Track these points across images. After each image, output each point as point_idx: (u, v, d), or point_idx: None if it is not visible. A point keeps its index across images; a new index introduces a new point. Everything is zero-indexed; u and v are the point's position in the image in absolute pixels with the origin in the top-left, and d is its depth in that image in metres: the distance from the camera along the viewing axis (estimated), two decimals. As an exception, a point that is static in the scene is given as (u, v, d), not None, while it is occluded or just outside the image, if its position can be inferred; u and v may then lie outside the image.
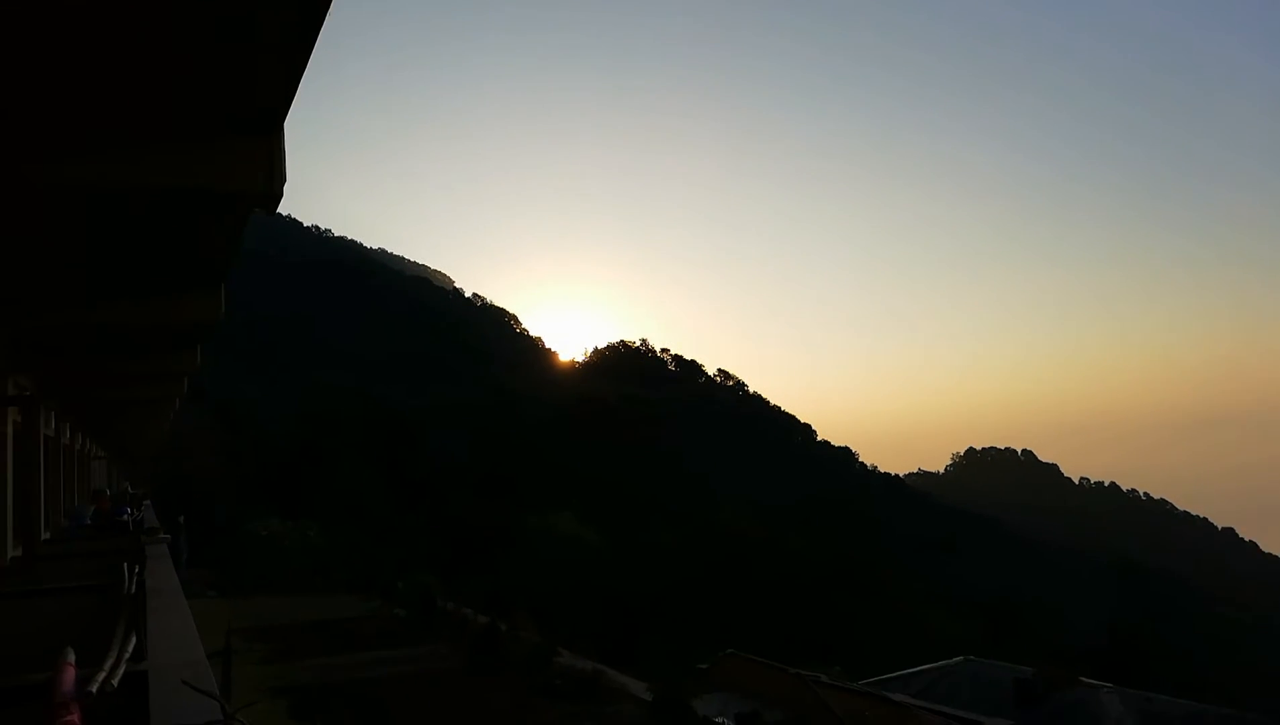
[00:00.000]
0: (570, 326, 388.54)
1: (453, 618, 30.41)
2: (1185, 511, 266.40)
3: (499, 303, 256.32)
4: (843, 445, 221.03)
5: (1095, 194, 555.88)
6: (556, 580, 54.00)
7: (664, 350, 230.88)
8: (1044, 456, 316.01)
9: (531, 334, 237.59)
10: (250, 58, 3.69)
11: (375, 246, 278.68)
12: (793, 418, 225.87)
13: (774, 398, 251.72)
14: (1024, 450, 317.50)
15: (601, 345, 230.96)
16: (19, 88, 3.83)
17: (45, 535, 12.96)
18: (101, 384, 13.88)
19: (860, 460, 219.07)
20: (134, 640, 4.34)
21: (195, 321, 8.41)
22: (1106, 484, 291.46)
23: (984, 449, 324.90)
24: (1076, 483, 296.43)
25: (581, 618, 47.33)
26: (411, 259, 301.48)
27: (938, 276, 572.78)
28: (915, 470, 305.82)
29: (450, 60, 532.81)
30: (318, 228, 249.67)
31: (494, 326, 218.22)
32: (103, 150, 4.25)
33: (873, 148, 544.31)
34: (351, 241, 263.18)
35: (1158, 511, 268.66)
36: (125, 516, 15.67)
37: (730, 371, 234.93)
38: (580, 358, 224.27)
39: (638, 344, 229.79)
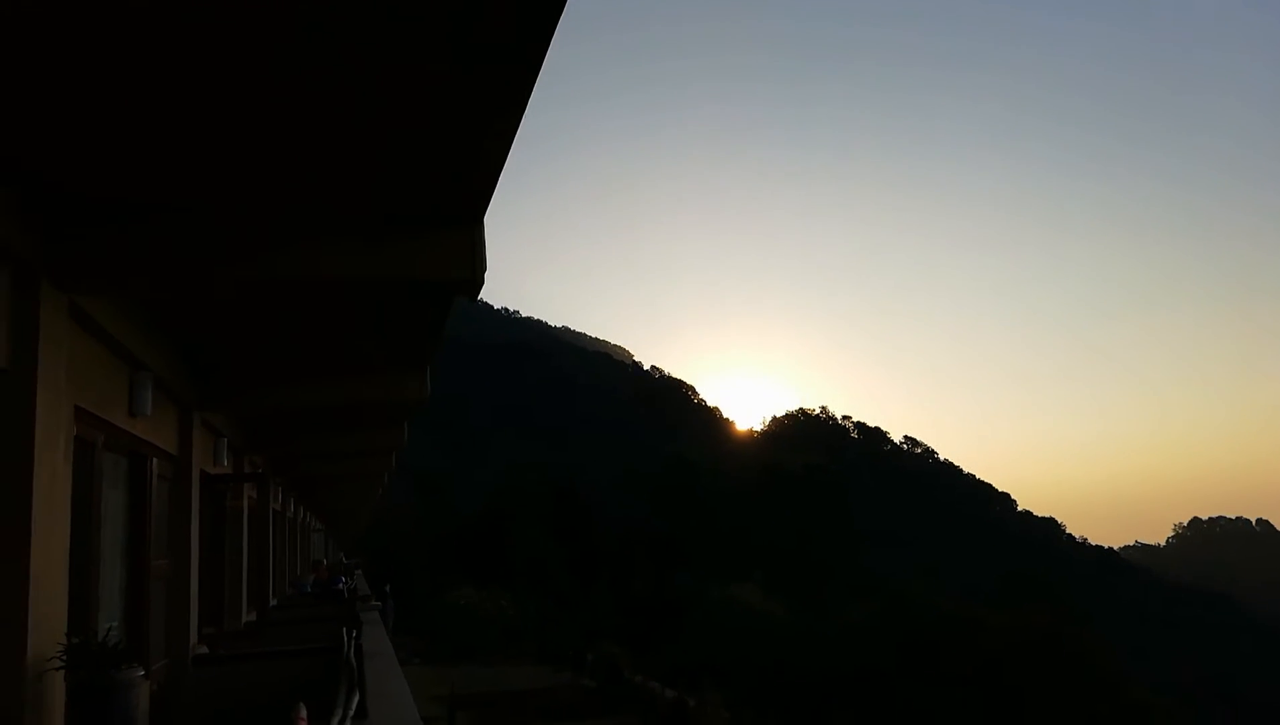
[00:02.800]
0: (747, 395, 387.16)
1: (640, 690, 30.35)
2: None
3: (676, 374, 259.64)
4: (1047, 515, 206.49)
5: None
6: (742, 654, 52.85)
7: (845, 417, 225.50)
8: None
9: (709, 404, 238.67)
10: (456, 157, 4.07)
11: (559, 325, 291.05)
12: (989, 486, 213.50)
13: (967, 465, 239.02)
14: (1259, 519, 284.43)
15: (779, 413, 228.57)
16: (259, 190, 4.39)
17: (273, 602, 14.11)
18: (322, 460, 15.12)
19: (1067, 531, 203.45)
20: (356, 698, 4.67)
21: (404, 400, 9.07)
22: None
23: (1211, 519, 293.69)
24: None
25: (768, 694, 45.96)
26: (593, 335, 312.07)
27: (1145, 324, 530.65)
28: (1132, 543, 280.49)
29: (623, 140, 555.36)
30: (507, 309, 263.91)
31: (672, 397, 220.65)
32: (323, 246, 4.73)
33: (1073, 198, 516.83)
34: (538, 321, 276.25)
35: None
36: (341, 585, 16.78)
37: (918, 438, 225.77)
38: (758, 426, 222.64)
39: (817, 412, 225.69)
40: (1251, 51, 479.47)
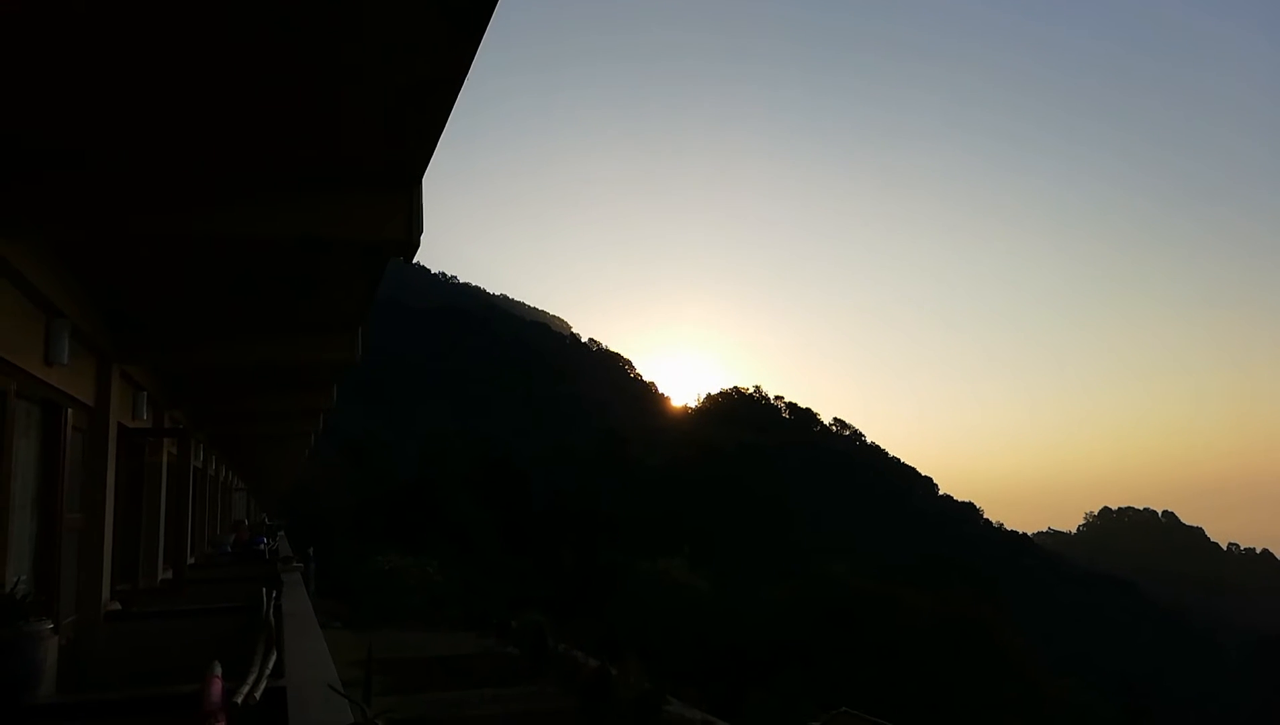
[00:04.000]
0: (683, 371, 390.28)
1: (563, 659, 30.57)
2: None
3: (613, 348, 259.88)
4: (966, 500, 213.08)
5: (1254, 231, 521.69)
6: (666, 626, 53.63)
7: (778, 397, 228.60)
8: (1188, 519, 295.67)
9: (645, 379, 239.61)
10: (394, 116, 4.01)
11: (497, 292, 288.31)
12: (913, 470, 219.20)
13: (893, 449, 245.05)
14: (1165, 511, 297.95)
15: (714, 391, 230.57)
16: (182, 143, 4.26)
17: (191, 560, 13.84)
18: (246, 419, 14.81)
19: (985, 516, 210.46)
20: (274, 657, 4.65)
21: (334, 362, 8.92)
22: (1259, 551, 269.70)
23: (1120, 509, 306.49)
24: (1224, 549, 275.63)
25: (691, 666, 46.74)
26: (531, 304, 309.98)
27: (1065, 322, 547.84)
28: (1045, 529, 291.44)
29: (570, 111, 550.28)
30: (444, 274, 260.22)
31: (608, 371, 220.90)
32: (253, 203, 4.61)
33: (999, 189, 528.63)
34: (476, 288, 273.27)
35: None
36: (262, 546, 16.53)
37: (846, 420, 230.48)
38: (693, 403, 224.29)
39: (751, 391, 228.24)
40: (1222, 49, 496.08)
